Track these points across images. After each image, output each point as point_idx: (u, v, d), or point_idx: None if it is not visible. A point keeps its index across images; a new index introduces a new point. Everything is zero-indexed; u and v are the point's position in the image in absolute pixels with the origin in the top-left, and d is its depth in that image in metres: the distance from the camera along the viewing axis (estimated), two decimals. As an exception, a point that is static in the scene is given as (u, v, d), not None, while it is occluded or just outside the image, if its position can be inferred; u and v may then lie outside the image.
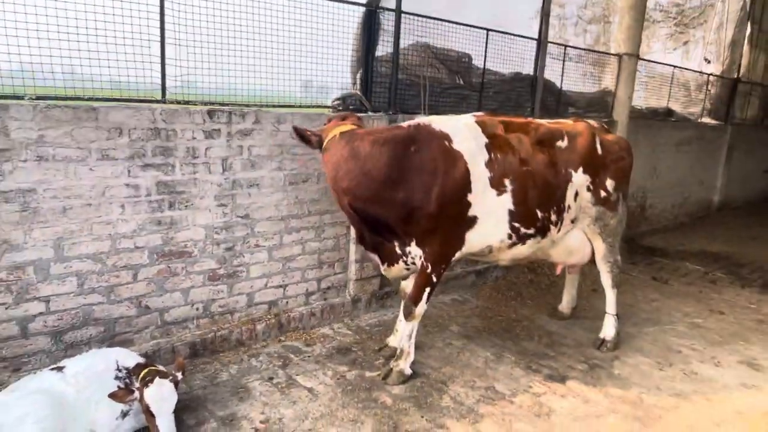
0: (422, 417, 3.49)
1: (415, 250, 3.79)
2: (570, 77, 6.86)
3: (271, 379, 3.84)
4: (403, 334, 3.98)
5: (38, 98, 3.29)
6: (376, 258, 4.00)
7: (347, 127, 3.63)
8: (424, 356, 4.26)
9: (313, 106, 4.65)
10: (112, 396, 2.97)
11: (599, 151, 4.29)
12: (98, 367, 3.15)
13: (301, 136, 3.63)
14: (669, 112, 8.94)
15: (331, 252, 4.77)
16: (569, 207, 4.15)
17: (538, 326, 5.04)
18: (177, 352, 3.90)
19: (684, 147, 9.29)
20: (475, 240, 3.86)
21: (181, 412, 3.34)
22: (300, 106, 4.53)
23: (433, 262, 3.76)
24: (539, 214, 3.96)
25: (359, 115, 4.57)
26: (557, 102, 6.71)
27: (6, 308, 3.27)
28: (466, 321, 5.06)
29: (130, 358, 3.28)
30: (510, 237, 3.93)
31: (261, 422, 3.34)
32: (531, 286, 6.14)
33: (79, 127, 3.34)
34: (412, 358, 3.97)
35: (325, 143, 3.60)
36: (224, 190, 4.03)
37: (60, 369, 3.08)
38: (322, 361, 4.14)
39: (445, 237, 3.74)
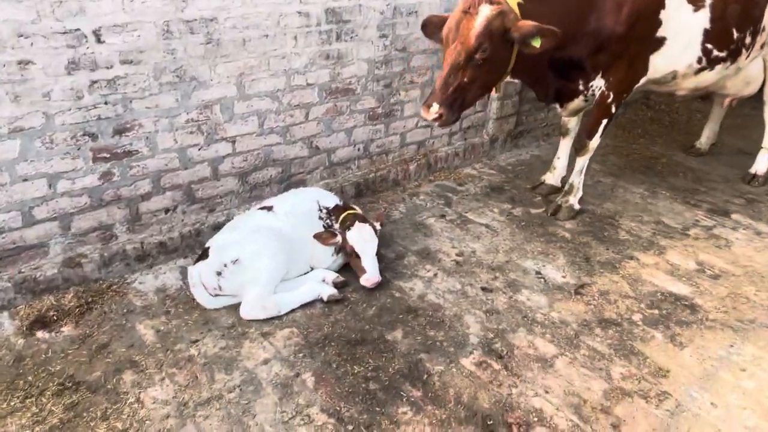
0: (607, 249, 3.54)
1: (598, 82, 3.54)
2: None
3: (443, 216, 3.87)
4: (575, 170, 3.90)
5: None
6: (555, 104, 3.78)
7: None
8: (580, 193, 4.22)
9: None
10: (317, 237, 3.00)
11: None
12: (303, 207, 3.14)
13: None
14: None
15: (475, 89, 4.49)
16: (764, 28, 3.75)
17: (677, 163, 4.92)
18: (343, 191, 3.88)
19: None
20: (660, 64, 3.58)
21: (378, 247, 3.39)
22: None
23: (616, 91, 3.54)
24: (735, 34, 3.60)
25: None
26: None
27: (199, 149, 3.18)
28: (604, 159, 4.94)
29: (328, 198, 3.26)
30: (699, 61, 3.63)
31: (457, 254, 3.41)
32: (653, 123, 5.91)
33: (252, -59, 2.92)
34: (581, 193, 3.93)
35: (518, 18, 2.89)
36: (386, 18, 3.66)
37: (269, 209, 3.08)
38: (481, 199, 4.13)
39: (631, 61, 3.48)
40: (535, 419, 2.28)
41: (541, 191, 4.23)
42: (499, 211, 3.97)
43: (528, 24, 2.82)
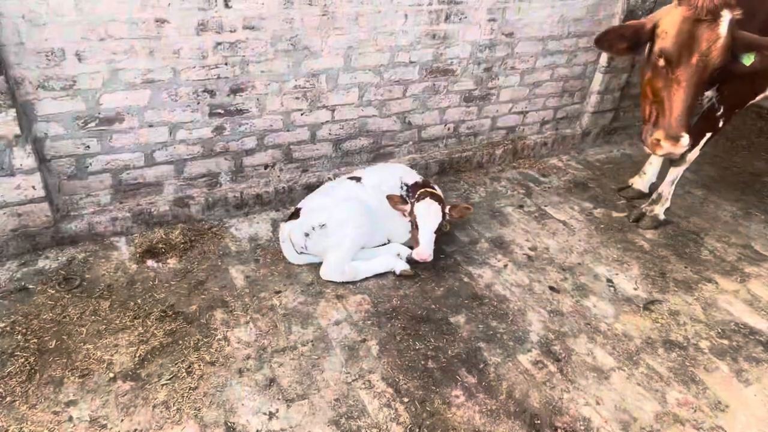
0: (686, 267, 3.47)
1: (710, 94, 3.36)
2: None
3: (521, 206, 3.90)
4: (667, 179, 3.79)
5: None
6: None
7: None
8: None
9: None
10: (390, 198, 3.12)
11: None
12: (388, 182, 3.29)
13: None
14: None
15: (576, 80, 4.38)
16: None
17: (782, 184, 4.62)
18: (428, 168, 3.99)
19: None
20: None
21: (453, 228, 3.53)
22: None
23: (727, 106, 3.37)
24: None
25: None
26: None
27: (302, 114, 3.37)
28: (699, 168, 4.71)
29: (410, 175, 3.38)
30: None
31: (530, 248, 3.47)
32: (762, 135, 5.50)
33: None
34: (668, 204, 3.83)
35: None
36: (498, 2, 3.61)
37: (358, 180, 3.25)
38: (563, 194, 4.11)
39: (753, 76, 3.24)
40: (582, 428, 2.39)
41: (626, 195, 4.15)
42: (579, 209, 3.96)
43: (753, 37, 2.58)
